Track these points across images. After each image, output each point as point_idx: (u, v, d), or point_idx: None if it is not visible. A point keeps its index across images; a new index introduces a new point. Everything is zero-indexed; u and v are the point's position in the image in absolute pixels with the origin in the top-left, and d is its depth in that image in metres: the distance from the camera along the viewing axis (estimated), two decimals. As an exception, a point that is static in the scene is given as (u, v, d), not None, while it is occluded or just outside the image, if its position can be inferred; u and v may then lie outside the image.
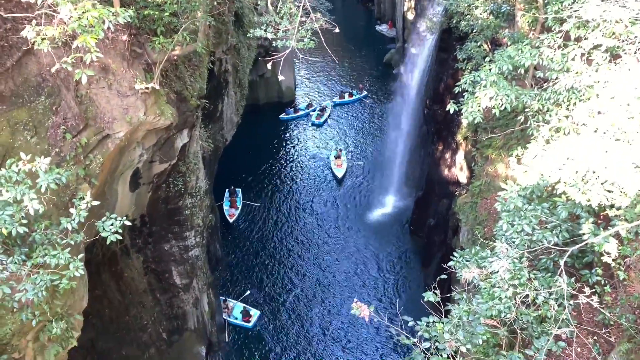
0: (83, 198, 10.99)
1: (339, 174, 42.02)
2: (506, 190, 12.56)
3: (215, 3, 19.56)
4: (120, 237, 11.25)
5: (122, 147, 15.85)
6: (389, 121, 47.45)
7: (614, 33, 12.50)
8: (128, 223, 11.61)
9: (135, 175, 18.39)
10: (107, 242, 11.15)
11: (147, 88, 15.27)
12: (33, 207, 9.56)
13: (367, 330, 30.65)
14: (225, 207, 38.33)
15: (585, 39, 12.74)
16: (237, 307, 31.32)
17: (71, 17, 10.16)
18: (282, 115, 49.47)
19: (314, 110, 50.28)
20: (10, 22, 13.46)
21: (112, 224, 11.19)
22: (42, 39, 10.40)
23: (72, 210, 10.94)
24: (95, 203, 11.14)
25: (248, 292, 32.62)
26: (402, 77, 47.01)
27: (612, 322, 11.20)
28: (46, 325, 12.38)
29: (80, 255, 11.14)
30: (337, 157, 43.39)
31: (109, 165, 15.67)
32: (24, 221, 9.97)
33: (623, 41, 12.51)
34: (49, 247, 10.85)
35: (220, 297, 30.64)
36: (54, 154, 13.70)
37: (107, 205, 16.79)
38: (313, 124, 49.34)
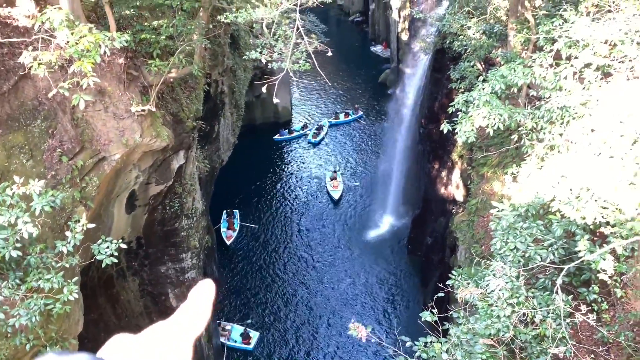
0: (79, 221, 10.97)
1: (335, 196, 41.77)
2: (499, 208, 12.58)
3: (211, 26, 19.78)
4: (115, 260, 11.20)
5: (119, 169, 15.87)
6: (384, 141, 47.63)
7: (605, 52, 12.68)
8: (124, 246, 11.57)
9: (132, 197, 18.37)
10: (103, 265, 11.10)
11: (143, 110, 15.36)
12: (27, 231, 9.54)
13: (366, 351, 30.35)
14: (223, 228, 38.15)
15: (575, 58, 12.90)
16: (236, 330, 31.01)
17: (68, 42, 10.27)
18: (276, 137, 49.09)
19: (310, 131, 50.31)
20: (7, 46, 13.59)
21: (107, 247, 11.15)
22: (39, 64, 10.49)
23: (67, 233, 10.91)
24: (91, 225, 11.13)
25: (250, 320, 32.24)
26: (397, 97, 47.37)
27: (610, 340, 11.13)
28: (41, 350, 12.21)
29: (75, 279, 11.09)
30: (333, 178, 43.05)
31: (105, 188, 15.66)
32: (19, 245, 9.93)
33: (613, 60, 12.68)
34: (43, 270, 10.79)
35: (217, 321, 30.34)
36: (50, 177, 13.71)
37: (102, 227, 16.74)
38: (310, 143, 49.38)
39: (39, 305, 10.14)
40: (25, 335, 11.15)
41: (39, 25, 10.68)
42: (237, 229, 38.58)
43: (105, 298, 21.17)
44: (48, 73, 10.80)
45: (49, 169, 13.81)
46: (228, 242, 37.37)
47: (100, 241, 11.26)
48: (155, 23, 16.91)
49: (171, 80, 17.69)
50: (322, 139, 49.91)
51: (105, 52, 10.67)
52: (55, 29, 10.30)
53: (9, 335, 11.09)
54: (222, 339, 29.97)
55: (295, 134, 49.99)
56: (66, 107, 14.33)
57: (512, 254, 11.52)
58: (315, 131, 50.01)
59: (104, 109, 15.02)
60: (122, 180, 16.94)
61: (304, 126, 50.89)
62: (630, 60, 12.32)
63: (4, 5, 14.39)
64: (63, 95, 13.26)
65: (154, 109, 15.76)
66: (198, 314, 1.38)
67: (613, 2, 12.86)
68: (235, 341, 30.47)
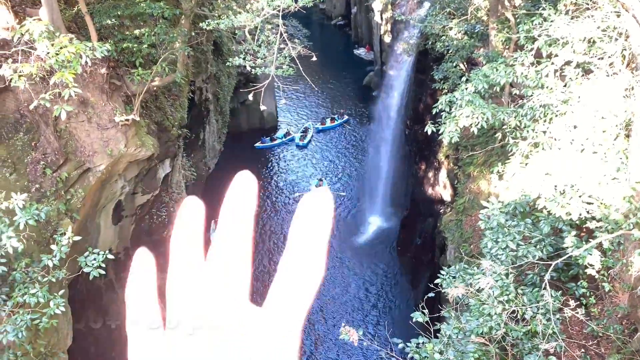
0: (64, 233, 10.85)
1: None
2: (488, 207, 12.65)
3: (194, 33, 19.72)
4: (103, 272, 11.08)
5: (104, 180, 15.73)
6: (371, 143, 47.70)
7: (584, 49, 12.84)
8: (111, 257, 11.45)
9: (118, 207, 18.21)
10: (90, 278, 10.97)
11: (127, 120, 15.25)
12: (12, 246, 9.40)
13: (358, 354, 30.32)
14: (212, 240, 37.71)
15: (556, 56, 13.04)
16: None
17: (48, 53, 10.18)
18: (258, 144, 48.04)
19: (297, 133, 50.01)
20: (-13, 59, 13.42)
21: (94, 259, 11.03)
22: (20, 76, 10.37)
23: (53, 246, 10.78)
24: (77, 238, 11.00)
25: None
26: (382, 99, 47.46)
27: (600, 334, 11.24)
28: (29, 366, 12.06)
29: (62, 292, 10.94)
30: (319, 186, 42.63)
31: (90, 199, 15.51)
32: (3, 260, 9.79)
33: (593, 57, 12.83)
34: (29, 285, 10.64)
35: None
36: (34, 190, 13.54)
37: (89, 239, 16.56)
38: (297, 146, 49.14)
39: (26, 320, 10.00)
40: (13, 351, 10.99)
41: (19, 37, 10.56)
42: None
43: (94, 311, 20.92)
44: (29, 85, 10.68)
45: (32, 181, 13.64)
46: None
47: (87, 253, 11.14)
48: (137, 32, 16.80)
49: (154, 88, 17.59)
50: (310, 141, 49.72)
51: (86, 63, 10.58)
52: (35, 40, 10.19)
53: (-4, 352, 10.93)
54: None
55: (277, 141, 49.38)
56: (49, 119, 14.18)
57: (504, 254, 11.59)
58: (302, 134, 49.87)
59: (87, 120, 14.89)
60: (107, 191, 16.78)
61: (287, 133, 50.18)
62: (609, 57, 12.48)
63: (-18, 17, 14.22)
64: (45, 107, 13.12)
65: (138, 118, 15.65)
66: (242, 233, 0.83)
67: (591, 0, 13.04)
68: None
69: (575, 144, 12.55)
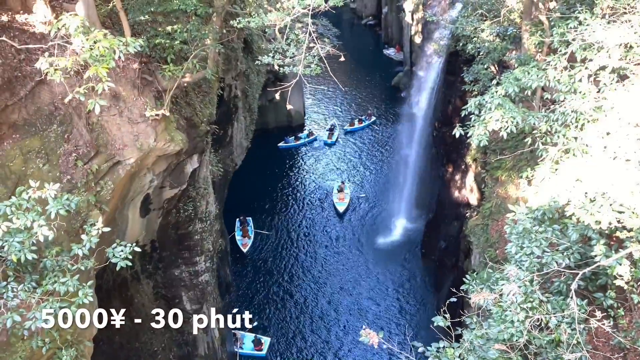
0: (94, 224, 11.09)
1: (341, 209, 40.81)
2: (515, 212, 12.47)
3: (225, 31, 19.91)
4: (130, 264, 11.28)
5: (133, 173, 16.01)
6: (398, 144, 47.43)
7: (620, 55, 12.53)
8: (138, 249, 11.65)
9: (146, 201, 18.52)
10: (117, 269, 11.19)
11: (157, 115, 15.49)
12: (43, 234, 9.66)
13: (379, 356, 30.22)
14: (238, 237, 37.91)
15: (590, 60, 12.76)
16: (247, 338, 31.01)
17: (83, 47, 10.41)
18: (281, 144, 48.42)
19: (315, 140, 50.11)
20: (25, 52, 13.80)
21: (121, 251, 11.24)
22: (55, 70, 10.62)
23: (83, 236, 11.02)
24: (106, 229, 11.23)
25: (254, 323, 31.55)
26: (410, 100, 47.17)
27: (627, 347, 10.96)
28: (56, 353, 12.34)
29: (90, 282, 11.18)
30: (340, 190, 42.03)
31: (119, 192, 15.81)
32: (34, 248, 10.05)
33: (629, 62, 12.52)
34: (59, 273, 10.90)
35: (232, 331, 30.14)
36: (66, 181, 13.88)
37: (117, 231, 16.89)
38: (325, 144, 49.41)
39: (55, 308, 10.25)
40: (41, 338, 11.27)
41: (55, 32, 10.81)
42: (252, 236, 38.43)
43: (120, 301, 21.32)
44: (64, 79, 10.92)
45: (64, 173, 13.98)
46: (244, 250, 37.20)
47: (114, 245, 11.36)
48: (169, 28, 17.06)
49: (185, 84, 17.82)
50: (337, 139, 49.92)
51: (119, 57, 10.78)
52: (71, 35, 10.43)
53: (25, 338, 11.23)
54: (234, 348, 29.98)
55: (300, 141, 49.61)
56: (81, 112, 14.51)
57: (528, 260, 11.40)
58: (329, 132, 50.13)
59: (118, 114, 15.17)
60: (136, 184, 17.08)
61: (310, 133, 50.48)
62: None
63: (21, 12, 14.62)
64: (78, 100, 13.42)
65: (168, 114, 15.88)
66: None
67: (629, 5, 12.71)
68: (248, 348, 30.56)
69: (607, 151, 12.26)
